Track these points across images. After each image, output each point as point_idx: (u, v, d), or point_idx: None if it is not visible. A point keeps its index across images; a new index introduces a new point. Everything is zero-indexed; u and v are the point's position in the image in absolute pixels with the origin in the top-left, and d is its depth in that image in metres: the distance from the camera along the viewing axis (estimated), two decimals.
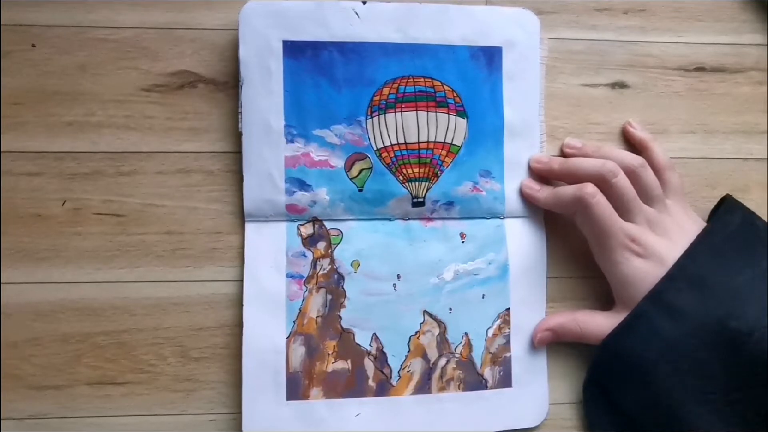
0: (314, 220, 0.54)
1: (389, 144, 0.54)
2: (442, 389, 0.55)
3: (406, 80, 0.54)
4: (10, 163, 0.54)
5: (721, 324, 0.50)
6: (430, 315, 0.55)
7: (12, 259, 0.53)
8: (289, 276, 0.54)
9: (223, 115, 0.55)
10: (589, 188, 0.52)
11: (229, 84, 0.55)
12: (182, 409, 0.54)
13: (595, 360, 0.54)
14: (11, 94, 0.54)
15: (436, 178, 0.55)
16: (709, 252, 0.52)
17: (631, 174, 0.53)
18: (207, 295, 0.54)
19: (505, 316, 0.56)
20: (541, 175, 0.56)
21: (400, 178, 0.54)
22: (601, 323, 0.54)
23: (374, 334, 0.54)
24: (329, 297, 0.54)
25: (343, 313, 0.54)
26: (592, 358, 0.55)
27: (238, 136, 0.54)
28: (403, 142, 0.54)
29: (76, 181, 0.54)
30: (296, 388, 0.53)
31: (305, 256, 0.54)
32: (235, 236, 0.55)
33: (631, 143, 0.58)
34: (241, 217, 0.54)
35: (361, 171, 0.54)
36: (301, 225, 0.54)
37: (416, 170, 0.54)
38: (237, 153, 0.54)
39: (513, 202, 0.56)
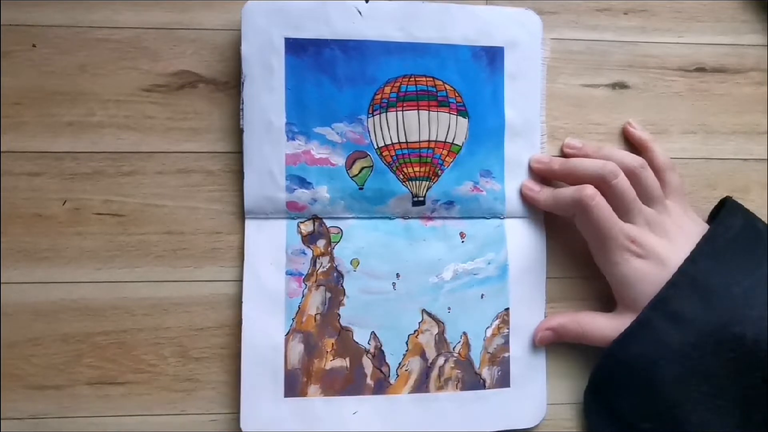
0: (314, 218, 0.54)
1: (390, 143, 0.54)
2: (440, 388, 0.55)
3: (407, 79, 0.54)
4: (10, 163, 0.54)
5: (726, 330, 0.50)
6: (429, 314, 0.55)
7: (12, 259, 0.53)
8: (289, 273, 0.54)
9: (223, 115, 0.55)
10: (588, 190, 0.52)
11: (229, 84, 0.55)
12: (182, 409, 0.54)
13: (598, 367, 0.54)
14: (11, 94, 0.54)
15: (436, 178, 0.55)
16: (711, 257, 0.52)
17: (632, 175, 0.53)
18: (207, 295, 0.54)
19: (504, 316, 0.56)
20: (541, 175, 0.56)
21: (401, 176, 0.54)
22: (603, 325, 0.54)
23: (373, 332, 0.54)
24: (328, 295, 0.54)
25: (342, 311, 0.54)
26: (594, 365, 0.54)
27: (238, 136, 0.54)
28: (404, 140, 0.54)
29: (76, 181, 0.54)
30: (294, 385, 0.53)
31: (305, 254, 0.54)
32: (235, 236, 0.55)
33: (632, 143, 0.58)
34: (241, 218, 0.54)
35: (361, 169, 0.54)
36: (301, 222, 0.54)
37: (417, 169, 0.54)
38: (237, 153, 0.54)
39: (513, 202, 0.56)
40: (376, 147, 0.54)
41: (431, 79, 0.54)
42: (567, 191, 0.53)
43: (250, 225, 0.54)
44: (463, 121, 0.55)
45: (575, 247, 0.57)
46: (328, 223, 0.54)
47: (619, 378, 0.53)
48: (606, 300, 0.56)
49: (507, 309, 0.56)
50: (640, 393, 0.52)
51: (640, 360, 0.51)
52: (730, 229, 0.54)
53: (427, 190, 0.55)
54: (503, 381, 0.55)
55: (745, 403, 0.50)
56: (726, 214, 0.55)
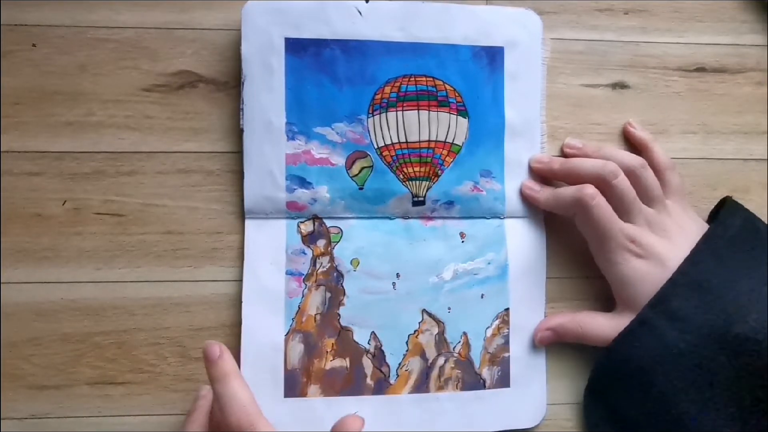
0: (314, 218, 0.54)
1: (390, 142, 0.54)
2: (440, 388, 0.55)
3: (407, 79, 0.54)
4: (10, 163, 0.54)
5: (725, 329, 0.50)
6: (429, 314, 0.55)
7: (12, 259, 0.53)
8: (289, 273, 0.54)
9: (223, 115, 0.55)
10: (589, 190, 0.52)
11: (229, 84, 0.55)
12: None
13: (597, 366, 0.54)
14: (11, 94, 0.54)
15: (436, 178, 0.55)
16: (711, 257, 0.52)
17: (632, 174, 0.53)
18: (207, 295, 0.54)
19: (504, 316, 0.56)
20: (541, 175, 0.56)
21: (401, 176, 0.54)
22: (602, 325, 0.54)
23: (373, 332, 0.54)
24: (328, 295, 0.54)
25: (342, 311, 0.54)
26: (593, 365, 0.54)
27: (238, 136, 0.54)
28: (404, 140, 0.54)
29: (76, 181, 0.54)
30: (294, 386, 0.53)
31: (305, 254, 0.54)
32: (235, 236, 0.55)
33: (632, 143, 0.58)
34: (241, 218, 0.54)
35: (361, 169, 0.54)
36: (301, 222, 0.54)
37: (417, 169, 0.54)
38: (237, 153, 0.54)
39: (513, 202, 0.56)
40: (376, 147, 0.54)
41: (431, 79, 0.54)
42: (567, 191, 0.53)
43: (250, 225, 0.54)
44: (463, 121, 0.55)
45: (575, 247, 0.57)
46: (328, 223, 0.54)
47: (618, 377, 0.53)
48: (606, 300, 0.56)
49: (507, 309, 0.56)
50: (639, 392, 0.52)
51: (639, 359, 0.51)
52: (730, 228, 0.54)
53: (427, 190, 0.55)
54: (503, 381, 0.55)
55: (744, 402, 0.50)
56: (726, 214, 0.55)
